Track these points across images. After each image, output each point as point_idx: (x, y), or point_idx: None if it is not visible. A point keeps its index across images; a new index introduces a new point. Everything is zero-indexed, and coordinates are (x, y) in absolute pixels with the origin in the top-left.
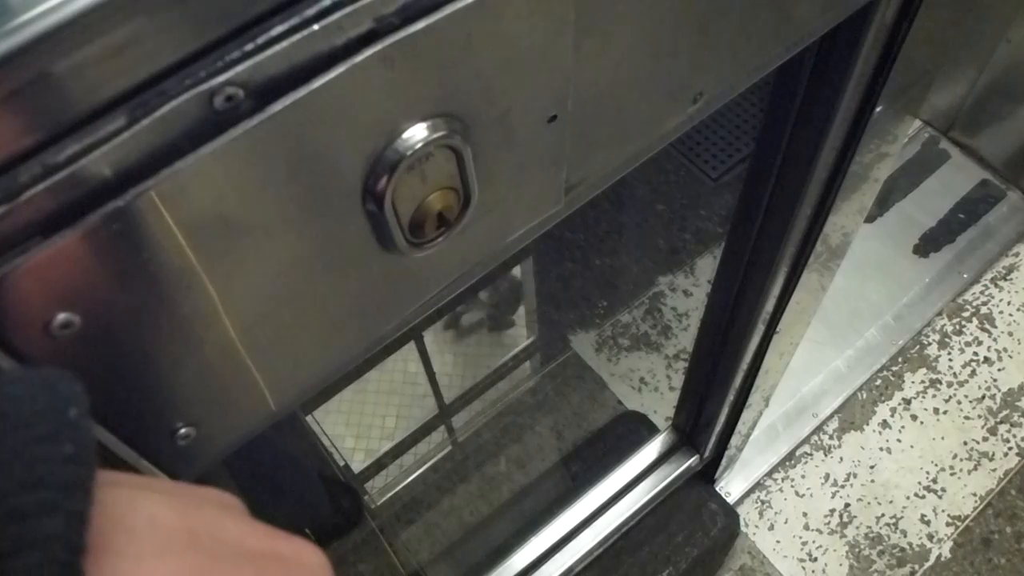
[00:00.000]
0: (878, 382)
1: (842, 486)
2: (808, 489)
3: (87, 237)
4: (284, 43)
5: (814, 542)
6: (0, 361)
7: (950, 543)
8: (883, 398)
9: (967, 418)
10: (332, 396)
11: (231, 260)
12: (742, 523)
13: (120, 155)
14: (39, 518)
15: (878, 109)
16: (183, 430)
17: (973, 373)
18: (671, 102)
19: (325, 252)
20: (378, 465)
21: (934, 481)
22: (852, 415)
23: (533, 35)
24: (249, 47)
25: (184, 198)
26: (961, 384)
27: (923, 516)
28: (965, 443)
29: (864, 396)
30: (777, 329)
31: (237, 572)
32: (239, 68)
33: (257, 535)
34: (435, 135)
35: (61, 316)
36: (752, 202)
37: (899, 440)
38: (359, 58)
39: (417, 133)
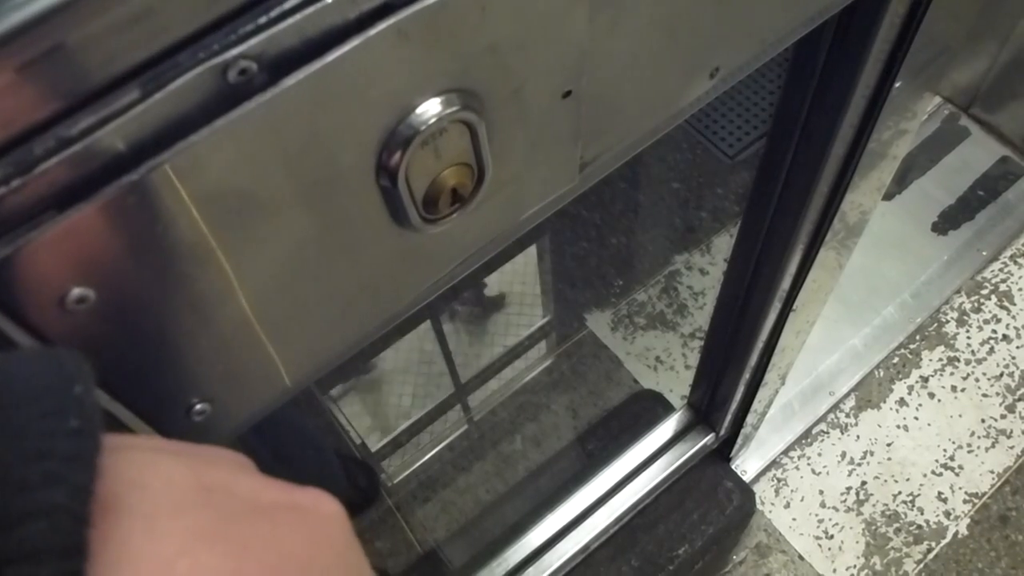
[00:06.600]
0: (895, 360)
1: (859, 464)
2: (824, 467)
3: (101, 211)
4: (297, 16)
5: (830, 520)
6: (15, 335)
7: (967, 520)
8: (900, 376)
9: (985, 396)
10: (349, 375)
11: (245, 234)
12: (758, 501)
13: (134, 128)
14: (44, 489)
15: (897, 85)
16: (199, 406)
17: (991, 351)
18: (687, 77)
19: (339, 227)
20: (395, 443)
21: (951, 459)
22: (869, 393)
23: (548, 8)
24: (263, 20)
25: (198, 172)
26: (979, 362)
27: (940, 493)
28: (983, 420)
29: (881, 374)
30: (793, 307)
31: (251, 526)
32: (252, 41)
33: (271, 489)
34: (449, 110)
35: (76, 291)
36: (769, 180)
37: (916, 418)
38: (373, 32)
39: (431, 108)
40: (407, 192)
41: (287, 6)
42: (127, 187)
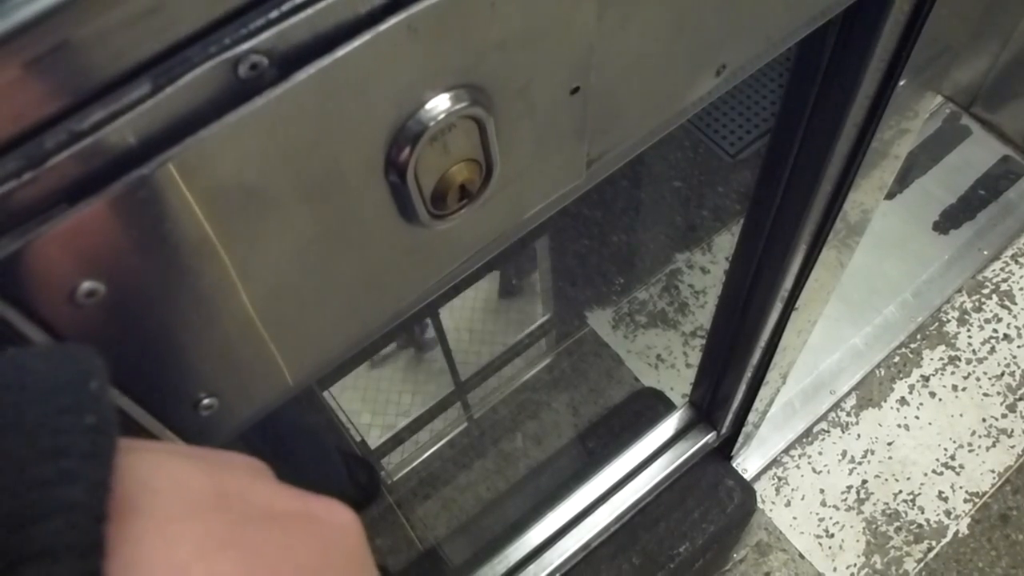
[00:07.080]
0: (896, 359)
1: (859, 463)
2: (825, 466)
3: (112, 205)
4: (308, 11)
5: (831, 518)
6: (26, 329)
7: (968, 519)
8: (901, 375)
9: (986, 395)
10: (349, 372)
11: (249, 232)
12: (759, 499)
13: (144, 123)
14: (61, 486)
15: (901, 84)
16: (206, 400)
17: (992, 350)
18: (694, 74)
19: (346, 224)
20: (395, 441)
21: (952, 458)
22: (870, 392)
23: (557, 4)
24: (274, 14)
25: (208, 167)
26: (980, 361)
27: (941, 493)
28: (984, 420)
29: (882, 373)
30: (795, 306)
31: (265, 533)
32: (263, 36)
33: (285, 497)
34: (458, 106)
35: (86, 284)
36: (772, 179)
37: (917, 417)
38: (383, 26)
39: (440, 104)
40: (416, 188)
41: (298, 0)
42: (138, 181)
